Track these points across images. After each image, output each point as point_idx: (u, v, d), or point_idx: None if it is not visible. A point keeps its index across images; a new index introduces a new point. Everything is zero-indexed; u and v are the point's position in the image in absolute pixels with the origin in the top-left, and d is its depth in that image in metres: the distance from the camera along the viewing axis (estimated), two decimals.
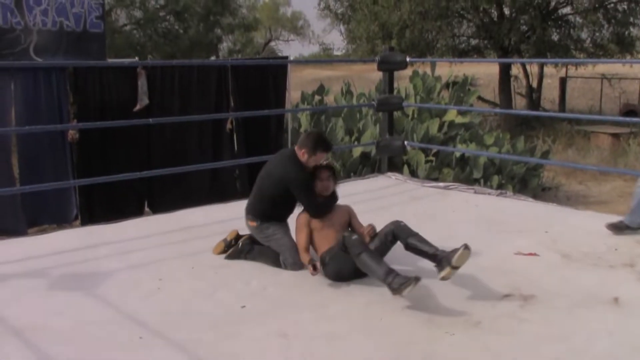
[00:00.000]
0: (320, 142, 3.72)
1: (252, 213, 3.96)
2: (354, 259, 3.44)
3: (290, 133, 8.15)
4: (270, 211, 3.88)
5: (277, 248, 3.94)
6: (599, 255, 4.38)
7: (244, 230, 4.33)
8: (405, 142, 7.36)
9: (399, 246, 3.89)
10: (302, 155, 3.80)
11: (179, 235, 4.98)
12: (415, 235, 3.68)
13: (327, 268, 3.73)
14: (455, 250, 3.54)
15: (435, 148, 8.70)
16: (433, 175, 8.71)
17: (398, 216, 4.21)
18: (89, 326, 3.24)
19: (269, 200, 3.90)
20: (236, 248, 4.22)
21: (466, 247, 3.54)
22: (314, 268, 3.62)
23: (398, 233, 3.69)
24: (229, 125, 7.44)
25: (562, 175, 11.34)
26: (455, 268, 3.54)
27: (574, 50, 16.83)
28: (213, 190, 7.44)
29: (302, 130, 9.27)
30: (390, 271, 3.35)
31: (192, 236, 4.94)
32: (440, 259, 3.56)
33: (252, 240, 4.18)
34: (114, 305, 3.55)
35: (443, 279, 3.54)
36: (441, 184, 6.82)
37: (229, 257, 4.24)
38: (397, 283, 3.28)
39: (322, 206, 3.84)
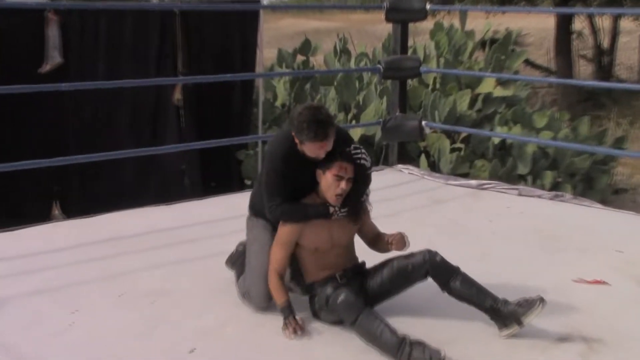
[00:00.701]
0: (307, 126, 3.61)
1: (250, 202, 4.06)
2: (350, 326, 3.47)
3: (261, 108, 8.31)
4: (260, 204, 3.91)
5: (247, 267, 3.96)
6: None
7: None
8: (424, 123, 7.36)
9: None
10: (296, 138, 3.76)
11: (103, 248, 5.02)
12: (460, 275, 3.68)
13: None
14: (527, 304, 3.64)
15: (464, 131, 8.77)
16: (461, 170, 8.75)
17: (413, 228, 4.24)
18: None
19: (259, 188, 4.00)
20: (233, 252, 4.34)
21: (542, 301, 3.64)
22: (294, 331, 3.63)
23: (435, 273, 3.67)
24: (176, 96, 7.63)
25: None
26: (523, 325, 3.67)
27: None
28: (151, 187, 7.65)
29: (277, 104, 9.45)
30: (403, 341, 3.37)
31: (120, 250, 4.98)
32: (505, 314, 3.65)
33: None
34: (6, 348, 3.53)
35: (507, 336, 3.66)
36: (473, 182, 6.91)
37: (226, 264, 4.39)
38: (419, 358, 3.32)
39: (294, 212, 3.76)
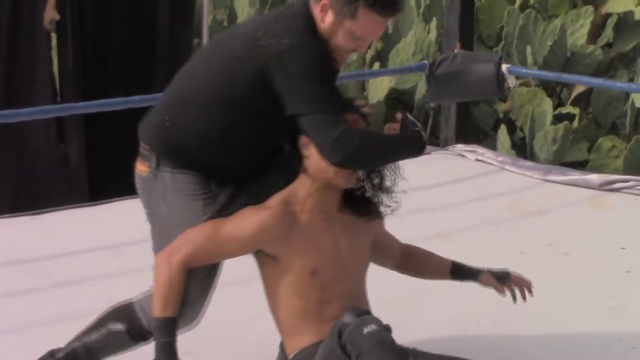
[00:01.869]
0: None
1: (144, 134, 3.42)
2: None
3: (207, 38, 7.58)
4: (192, 142, 3.37)
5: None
6: None
7: None
8: (505, 67, 6.62)
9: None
10: (321, 11, 3.31)
11: None
12: None
13: None
14: None
15: (581, 83, 8.00)
16: (573, 155, 8.09)
17: (483, 257, 3.97)
18: None
19: (204, 117, 3.37)
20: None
21: None
22: None
23: None
24: (49, 14, 6.99)
25: None
26: None
27: None
28: (10, 182, 7.03)
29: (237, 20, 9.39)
30: None
31: None
32: None
33: None
34: None
35: None
36: (593, 178, 6.32)
37: None
38: None
39: (384, 142, 3.36)
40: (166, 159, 3.41)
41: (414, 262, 3.78)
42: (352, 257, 3.51)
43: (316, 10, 3.35)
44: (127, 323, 3.54)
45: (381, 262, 3.74)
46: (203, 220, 3.43)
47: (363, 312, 3.29)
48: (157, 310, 3.34)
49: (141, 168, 3.53)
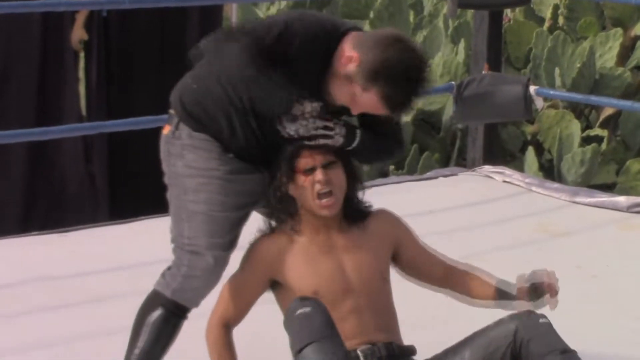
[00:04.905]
0: (402, 74, 3.36)
1: (172, 96, 3.56)
2: None
3: None
4: (212, 95, 3.48)
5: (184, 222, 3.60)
6: None
7: None
8: (533, 89, 6.66)
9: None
10: (348, 59, 3.39)
11: None
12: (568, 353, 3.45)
13: None
14: None
15: (610, 105, 7.98)
16: (602, 177, 8.05)
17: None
18: None
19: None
20: None
21: None
22: None
23: (528, 346, 3.37)
24: (78, 33, 6.99)
25: None
26: None
27: None
28: (39, 201, 7.09)
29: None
30: None
31: None
32: None
33: None
34: None
35: None
36: (622, 200, 6.35)
37: None
38: None
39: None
40: (186, 121, 3.54)
41: (456, 284, 3.79)
42: (360, 272, 3.53)
43: (345, 50, 3.45)
44: (162, 306, 3.66)
45: (420, 282, 3.75)
46: (215, 175, 3.58)
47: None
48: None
49: (165, 129, 3.67)
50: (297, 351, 3.29)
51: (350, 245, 3.57)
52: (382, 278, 3.59)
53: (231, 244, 3.58)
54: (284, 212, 3.56)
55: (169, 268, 3.63)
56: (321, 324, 3.32)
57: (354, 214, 3.60)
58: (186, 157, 3.58)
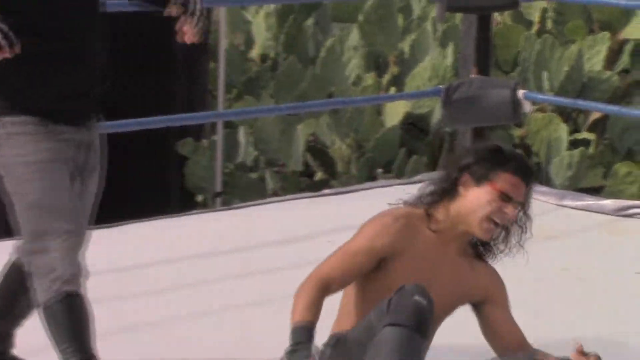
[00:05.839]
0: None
1: None
2: None
3: (223, 61, 7.71)
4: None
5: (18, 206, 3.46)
6: None
7: None
8: (521, 93, 6.75)
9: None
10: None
11: None
12: None
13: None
14: None
15: (597, 110, 8.27)
16: (590, 180, 8.25)
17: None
18: None
19: None
20: None
21: None
22: None
23: None
24: None
25: None
26: None
27: None
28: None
29: (254, 55, 9.53)
30: None
31: None
32: None
33: None
34: None
35: None
36: (608, 203, 6.42)
37: None
38: None
39: None
40: None
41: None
42: (435, 299, 3.51)
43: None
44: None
45: (489, 342, 3.74)
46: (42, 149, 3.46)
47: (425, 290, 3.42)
48: (299, 315, 3.48)
49: None
50: (400, 327, 3.28)
51: (450, 273, 3.61)
52: (441, 316, 3.61)
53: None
54: (437, 197, 3.54)
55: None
56: (428, 322, 3.33)
57: (481, 250, 3.62)
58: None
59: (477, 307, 3.67)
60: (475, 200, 3.44)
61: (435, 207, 3.51)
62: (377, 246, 3.50)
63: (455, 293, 3.63)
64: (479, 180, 3.43)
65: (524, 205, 3.47)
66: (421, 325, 3.31)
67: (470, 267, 3.61)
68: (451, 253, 3.57)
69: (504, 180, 3.40)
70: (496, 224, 3.44)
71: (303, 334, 3.41)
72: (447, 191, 3.49)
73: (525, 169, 3.50)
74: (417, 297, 3.30)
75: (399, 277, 3.50)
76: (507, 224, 3.45)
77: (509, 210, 3.39)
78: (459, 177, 3.47)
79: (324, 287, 3.51)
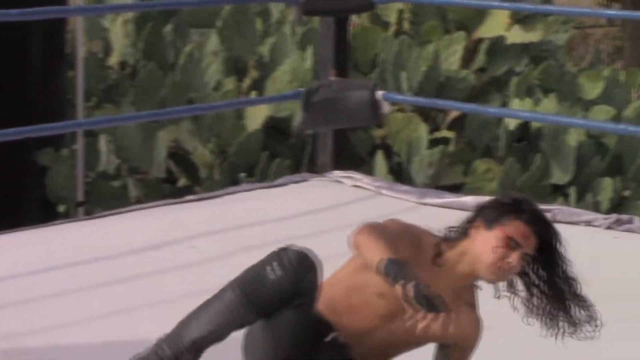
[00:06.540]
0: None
1: None
2: None
3: (82, 70, 7.80)
4: None
5: None
6: None
7: None
8: (380, 94, 6.95)
9: None
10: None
11: None
12: None
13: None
14: None
15: (455, 109, 8.41)
16: (450, 178, 8.45)
17: None
18: None
19: None
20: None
21: None
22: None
23: None
24: None
25: None
26: None
27: None
28: None
29: (113, 62, 9.21)
30: None
31: None
32: None
33: None
34: None
35: None
36: (469, 200, 6.50)
37: None
38: None
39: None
40: None
41: None
42: (407, 328, 3.44)
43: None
44: None
45: None
46: None
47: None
48: (377, 254, 3.40)
49: None
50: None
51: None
52: (410, 344, 3.60)
53: None
54: (452, 235, 3.55)
55: None
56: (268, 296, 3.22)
57: (472, 297, 3.63)
58: None
59: (442, 345, 3.70)
60: (482, 242, 3.47)
61: (447, 243, 3.54)
62: (398, 242, 3.49)
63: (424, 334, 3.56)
64: (490, 223, 3.46)
65: (531, 258, 3.51)
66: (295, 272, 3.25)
67: (456, 310, 3.54)
68: (444, 291, 3.49)
69: (515, 227, 3.43)
70: (502, 270, 3.47)
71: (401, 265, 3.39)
72: (460, 231, 3.53)
73: (541, 222, 3.51)
74: (298, 248, 3.33)
75: (378, 291, 3.47)
76: (511, 273, 3.48)
77: (514, 259, 3.42)
78: (473, 219, 3.51)
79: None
